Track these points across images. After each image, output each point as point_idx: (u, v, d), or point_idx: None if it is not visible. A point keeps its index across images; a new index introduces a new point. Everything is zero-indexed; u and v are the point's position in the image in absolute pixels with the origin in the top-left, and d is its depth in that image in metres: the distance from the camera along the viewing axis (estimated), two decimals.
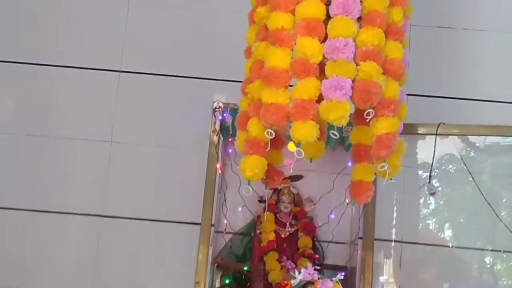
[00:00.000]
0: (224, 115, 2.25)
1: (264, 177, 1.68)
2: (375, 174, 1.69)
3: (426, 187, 2.20)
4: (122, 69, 2.42)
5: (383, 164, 1.56)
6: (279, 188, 2.29)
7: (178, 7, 2.46)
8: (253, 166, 1.59)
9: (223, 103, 2.26)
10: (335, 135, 1.66)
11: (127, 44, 2.44)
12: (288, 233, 2.28)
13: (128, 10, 2.46)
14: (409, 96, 2.15)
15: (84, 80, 2.42)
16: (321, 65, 1.52)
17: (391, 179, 1.61)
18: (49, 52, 2.44)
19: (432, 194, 2.24)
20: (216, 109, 2.26)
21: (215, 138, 2.26)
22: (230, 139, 2.27)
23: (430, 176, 2.21)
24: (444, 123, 2.21)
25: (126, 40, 2.44)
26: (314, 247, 2.28)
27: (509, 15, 2.41)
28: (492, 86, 2.36)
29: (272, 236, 2.24)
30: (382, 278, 2.25)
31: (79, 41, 2.45)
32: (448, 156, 2.31)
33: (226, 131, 2.27)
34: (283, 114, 1.52)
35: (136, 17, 2.46)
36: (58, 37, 2.46)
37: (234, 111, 2.16)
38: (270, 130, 1.53)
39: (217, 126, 2.26)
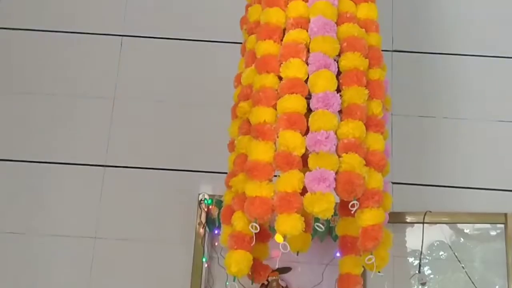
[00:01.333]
0: (210, 207, 2.24)
1: (250, 273, 1.65)
2: (363, 266, 1.67)
3: (417, 278, 2.17)
4: (107, 164, 2.42)
5: (370, 256, 1.53)
6: (267, 281, 2.24)
7: (159, 100, 2.49)
8: (238, 261, 1.56)
9: (208, 195, 2.25)
10: (321, 227, 1.65)
11: (112, 138, 2.45)
12: None
13: (113, 107, 2.49)
14: (394, 185, 2.17)
15: (69, 176, 2.41)
16: (304, 158, 1.53)
17: (379, 272, 1.58)
18: (34, 148, 2.45)
19: (423, 284, 2.20)
20: (202, 201, 2.26)
21: (201, 231, 2.24)
22: (216, 232, 2.24)
23: (420, 265, 2.18)
24: (431, 211, 2.22)
25: (111, 134, 2.45)
26: None
27: (490, 104, 2.46)
28: (476, 173, 2.38)
29: None
30: None
31: (65, 136, 2.46)
32: (437, 243, 2.29)
33: (212, 223, 2.25)
34: (268, 207, 1.51)
35: (120, 111, 2.49)
36: (45, 133, 2.47)
37: (220, 203, 2.16)
38: (254, 224, 1.51)
39: (203, 219, 2.24)
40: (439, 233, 2.28)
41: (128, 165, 2.42)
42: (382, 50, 1.74)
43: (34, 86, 2.51)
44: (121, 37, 2.55)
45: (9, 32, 2.58)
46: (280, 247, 1.49)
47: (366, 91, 1.58)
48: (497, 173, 2.36)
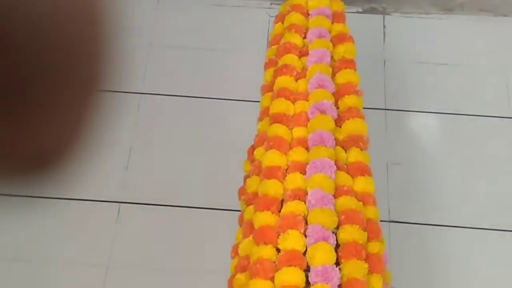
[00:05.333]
0: None
1: None
2: None
3: None
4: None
5: None
6: None
7: (156, 269, 2.44)
8: None
9: None
10: None
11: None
12: None
13: (105, 276, 2.43)
14: None
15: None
16: None
17: None
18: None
19: None
20: None
21: None
22: None
23: None
24: None
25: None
26: None
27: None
28: None
29: None
30: None
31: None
32: None
33: None
34: None
35: (113, 283, 2.43)
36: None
37: None
38: None
39: None
40: None
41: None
42: (380, 221, 1.75)
43: None
44: (119, 203, 2.58)
45: None
46: None
47: (366, 265, 1.55)
48: None
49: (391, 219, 2.50)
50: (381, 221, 1.78)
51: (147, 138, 2.70)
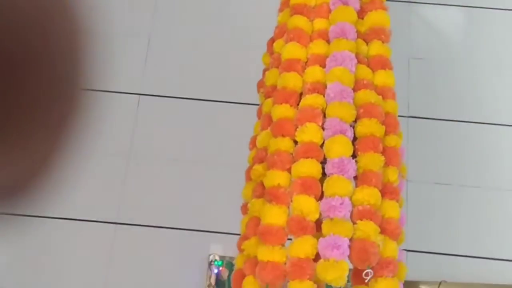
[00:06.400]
0: (220, 268, 2.21)
1: None
2: None
3: None
4: (118, 221, 2.41)
5: None
6: None
7: (172, 159, 2.50)
8: None
9: (219, 256, 2.22)
10: None
11: (124, 196, 2.45)
12: None
13: (127, 166, 2.50)
14: (409, 253, 2.12)
15: (79, 232, 2.40)
16: (318, 223, 1.51)
17: None
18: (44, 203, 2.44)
19: None
20: (212, 262, 2.22)
21: None
22: None
23: None
24: (446, 281, 2.16)
25: (123, 191, 2.45)
26: None
27: (508, 173, 2.44)
28: (493, 243, 2.33)
29: None
30: None
31: (76, 193, 2.45)
32: None
33: (222, 286, 2.21)
34: (280, 273, 1.48)
35: (134, 173, 2.49)
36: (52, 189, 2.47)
37: (230, 264, 2.13)
38: None
39: (213, 280, 2.21)
40: None
41: (140, 223, 2.40)
42: (398, 116, 1.74)
43: None
44: (138, 95, 2.59)
45: None
46: None
47: (382, 158, 1.56)
48: None
49: (410, 115, 2.49)
50: (400, 116, 1.78)
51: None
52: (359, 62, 1.67)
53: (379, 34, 1.73)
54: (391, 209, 1.57)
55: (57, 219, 2.40)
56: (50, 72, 0.43)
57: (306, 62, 1.69)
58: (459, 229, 2.36)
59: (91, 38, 0.45)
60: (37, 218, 2.40)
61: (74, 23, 0.44)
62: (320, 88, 1.64)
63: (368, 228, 1.47)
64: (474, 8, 2.68)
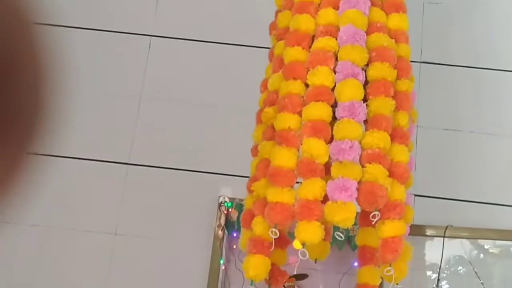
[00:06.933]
0: (230, 210, 2.25)
1: (268, 278, 1.65)
2: (381, 278, 1.66)
3: None
4: (130, 162, 2.44)
5: (389, 268, 1.52)
6: (284, 286, 2.24)
7: (184, 101, 2.50)
8: (257, 266, 1.56)
9: (229, 198, 2.26)
10: (341, 236, 1.64)
11: (136, 137, 2.47)
12: None
13: (139, 107, 2.51)
14: (416, 197, 2.15)
15: (91, 172, 2.43)
16: (327, 166, 1.53)
17: (397, 284, 1.57)
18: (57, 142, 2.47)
19: None
20: (222, 204, 2.26)
21: (220, 233, 2.24)
22: (235, 235, 2.25)
23: (438, 280, 2.16)
24: (452, 226, 2.19)
25: (135, 133, 2.47)
26: None
27: None
28: (500, 189, 2.35)
29: None
30: None
31: (87, 132, 2.47)
32: (457, 258, 2.27)
33: (231, 226, 2.25)
34: (288, 214, 1.51)
35: (146, 113, 2.50)
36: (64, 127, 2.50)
37: (240, 206, 2.16)
38: (274, 229, 1.51)
39: (222, 221, 2.25)
40: (459, 248, 2.25)
41: (151, 164, 2.43)
42: (411, 61, 1.73)
43: None
44: (150, 37, 2.58)
45: None
46: (299, 254, 1.48)
47: (393, 102, 1.57)
48: None
49: (422, 60, 2.47)
50: (412, 61, 1.77)
51: None
52: (373, 4, 1.65)
53: None
54: (400, 153, 1.59)
55: (70, 159, 2.43)
56: None
57: (319, 4, 1.67)
58: (467, 175, 2.37)
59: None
60: (53, 157, 2.43)
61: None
62: (332, 31, 1.62)
63: (376, 171, 1.49)
64: None
